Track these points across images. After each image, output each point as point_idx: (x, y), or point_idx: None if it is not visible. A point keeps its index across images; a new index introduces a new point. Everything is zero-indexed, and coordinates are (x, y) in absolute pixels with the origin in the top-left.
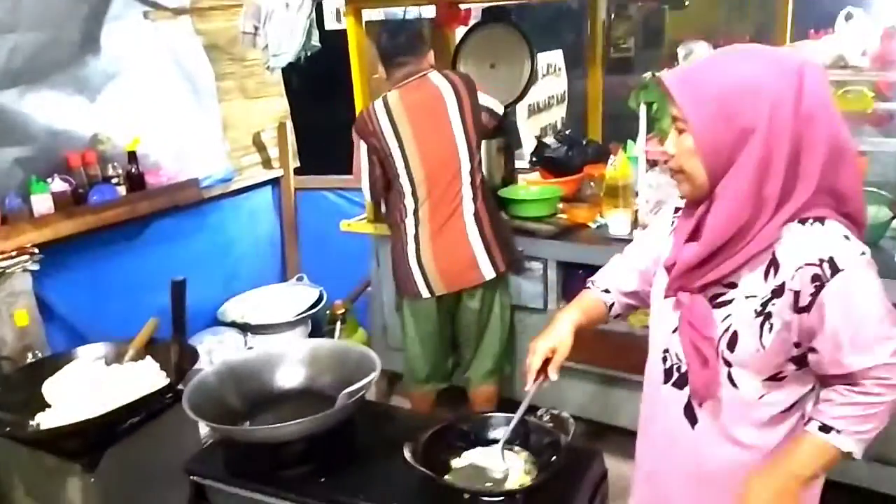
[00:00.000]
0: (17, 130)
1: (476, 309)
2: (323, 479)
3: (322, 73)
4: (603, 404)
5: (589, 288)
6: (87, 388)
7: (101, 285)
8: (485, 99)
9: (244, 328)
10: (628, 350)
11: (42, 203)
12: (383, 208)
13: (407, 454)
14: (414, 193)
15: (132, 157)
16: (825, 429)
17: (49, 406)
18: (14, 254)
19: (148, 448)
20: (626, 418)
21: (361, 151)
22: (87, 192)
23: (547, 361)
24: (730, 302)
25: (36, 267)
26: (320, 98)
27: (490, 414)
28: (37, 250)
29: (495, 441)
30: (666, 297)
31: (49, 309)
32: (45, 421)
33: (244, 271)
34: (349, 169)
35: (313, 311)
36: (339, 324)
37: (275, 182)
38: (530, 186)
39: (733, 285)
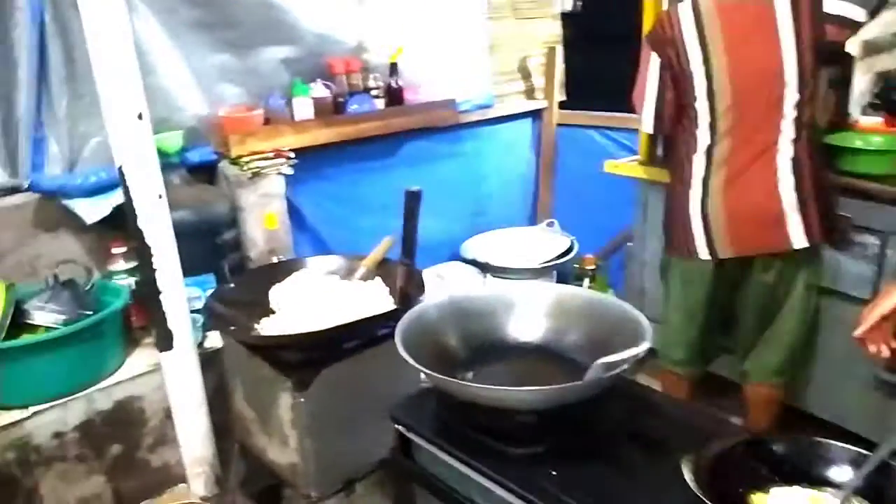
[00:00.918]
0: (285, 29)
1: (770, 284)
2: (554, 473)
3: None
4: None
5: None
6: (310, 300)
7: (349, 198)
8: (835, 4)
9: (484, 268)
10: None
11: (303, 107)
12: (660, 149)
13: (687, 475)
14: (713, 125)
15: (393, 69)
16: None
17: (273, 312)
18: (272, 155)
19: (365, 375)
20: None
21: (651, 68)
22: (346, 102)
23: None
24: None
25: (290, 171)
26: (596, 19)
27: (825, 441)
28: (293, 154)
29: (831, 484)
30: None
31: (298, 215)
32: (266, 327)
33: (492, 208)
34: (627, 102)
35: (562, 261)
36: (587, 280)
37: (536, 114)
38: (871, 134)
39: None
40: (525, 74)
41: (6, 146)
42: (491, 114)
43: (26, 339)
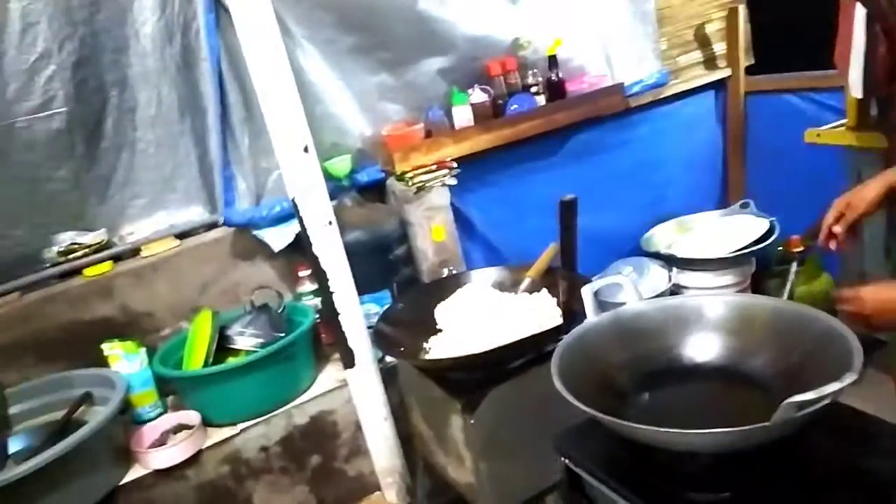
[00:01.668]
0: (439, 39)
1: None
2: None
3: None
4: None
5: None
6: (476, 317)
7: (515, 200)
8: None
9: (670, 261)
10: None
11: (462, 115)
12: (873, 110)
13: None
14: None
15: (552, 61)
16: None
17: (440, 331)
18: (434, 168)
19: (534, 394)
20: None
21: (855, 23)
22: (506, 103)
23: None
24: None
25: (453, 181)
26: None
27: None
28: (455, 164)
29: None
30: None
31: (466, 223)
32: (433, 347)
33: (674, 193)
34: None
35: (760, 246)
36: (793, 266)
37: (719, 84)
38: None
39: None
40: (703, 43)
41: (205, 186)
42: (665, 92)
43: (231, 363)
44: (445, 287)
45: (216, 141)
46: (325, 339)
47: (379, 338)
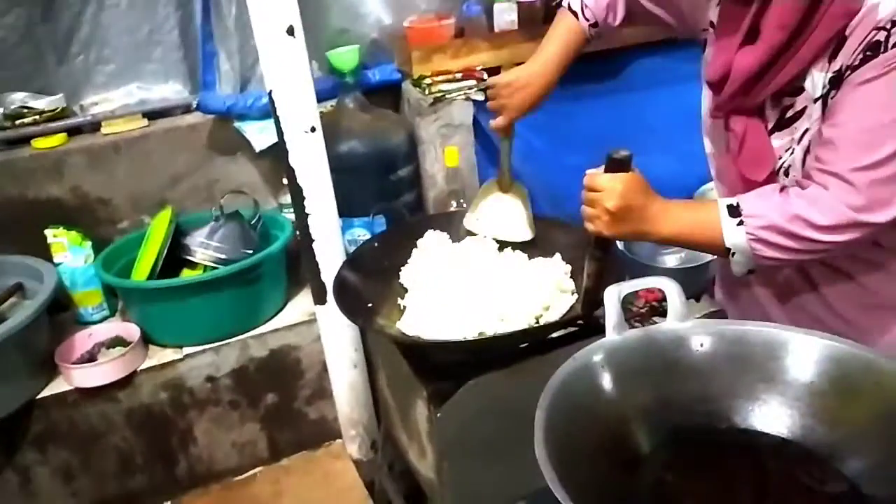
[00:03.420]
0: None
1: None
2: None
3: None
4: None
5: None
6: (463, 275)
7: (553, 130)
8: None
9: None
10: None
11: (505, 15)
12: None
13: None
14: None
15: None
16: (734, 211)
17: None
18: (460, 75)
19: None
20: None
21: None
22: (559, 5)
23: None
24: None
25: (480, 97)
26: None
27: None
28: (486, 76)
29: None
30: (714, 118)
31: (488, 150)
32: (409, 308)
33: None
34: None
35: None
36: None
37: None
38: None
39: (799, 90)
40: None
41: (186, 59)
42: None
43: (178, 280)
44: (442, 225)
45: (199, 3)
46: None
47: (339, 289)
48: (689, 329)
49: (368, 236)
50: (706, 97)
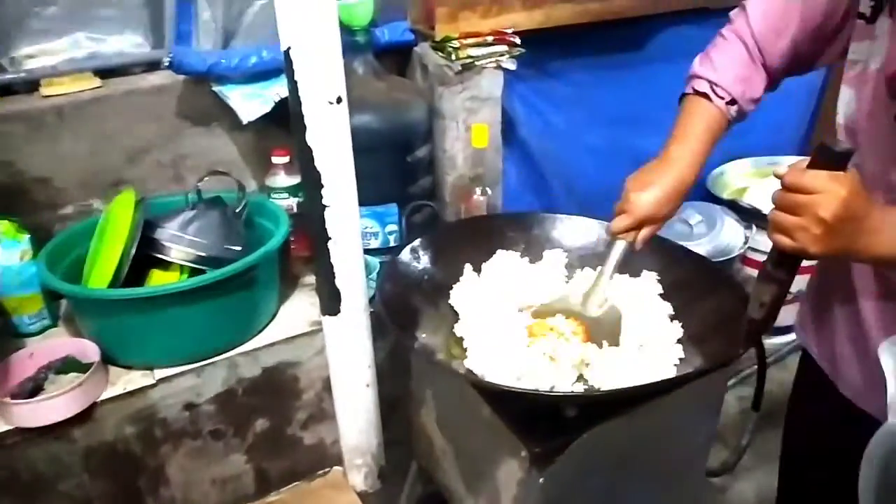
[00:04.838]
0: None
1: None
2: None
3: None
4: None
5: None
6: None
7: (576, 103)
8: None
9: (746, 215)
10: None
11: None
12: None
13: None
14: None
15: None
16: None
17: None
18: (490, 40)
19: (637, 438)
20: None
21: None
22: None
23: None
24: None
25: (513, 66)
26: None
27: None
28: (518, 41)
29: None
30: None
31: (508, 126)
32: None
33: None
34: None
35: None
36: None
37: None
38: None
39: None
40: None
41: (150, 4)
42: None
43: (153, 288)
44: (507, 229)
45: None
46: (297, 250)
47: (391, 310)
48: None
49: (378, 229)
50: (856, 99)
